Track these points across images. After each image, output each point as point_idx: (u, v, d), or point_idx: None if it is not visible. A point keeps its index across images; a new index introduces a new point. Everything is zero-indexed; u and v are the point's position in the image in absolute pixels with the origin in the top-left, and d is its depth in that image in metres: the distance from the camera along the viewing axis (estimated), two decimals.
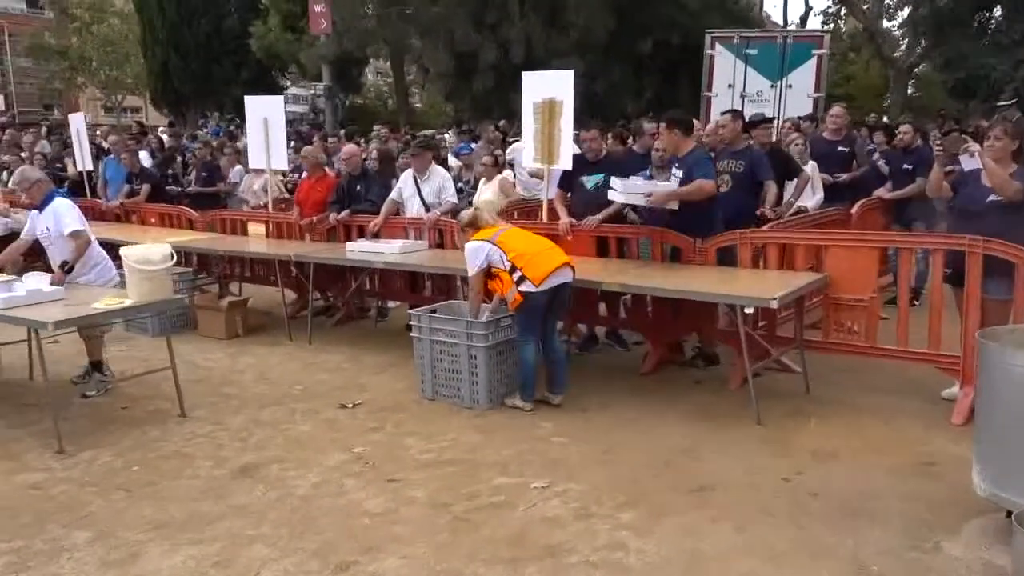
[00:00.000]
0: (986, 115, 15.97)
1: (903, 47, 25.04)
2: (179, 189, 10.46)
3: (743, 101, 14.82)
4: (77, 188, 10.43)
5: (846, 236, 5.59)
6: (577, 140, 6.45)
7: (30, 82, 42.28)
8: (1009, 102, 11.34)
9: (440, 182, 7.15)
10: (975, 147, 4.91)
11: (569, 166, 6.33)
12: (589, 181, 6.22)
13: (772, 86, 15.16)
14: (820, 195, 7.43)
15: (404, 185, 7.29)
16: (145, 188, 9.64)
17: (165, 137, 14.57)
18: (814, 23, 31.78)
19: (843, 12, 26.84)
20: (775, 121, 13.89)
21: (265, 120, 8.24)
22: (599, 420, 5.02)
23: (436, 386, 5.43)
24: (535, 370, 5.15)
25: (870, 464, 4.27)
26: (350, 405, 5.38)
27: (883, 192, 7.76)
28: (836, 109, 8.47)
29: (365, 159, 9.11)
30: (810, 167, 7.48)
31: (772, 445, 4.55)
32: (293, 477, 4.26)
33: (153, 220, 9.47)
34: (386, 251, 6.65)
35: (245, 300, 7.64)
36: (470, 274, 5.23)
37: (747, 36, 16.02)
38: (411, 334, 5.49)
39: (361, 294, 7.76)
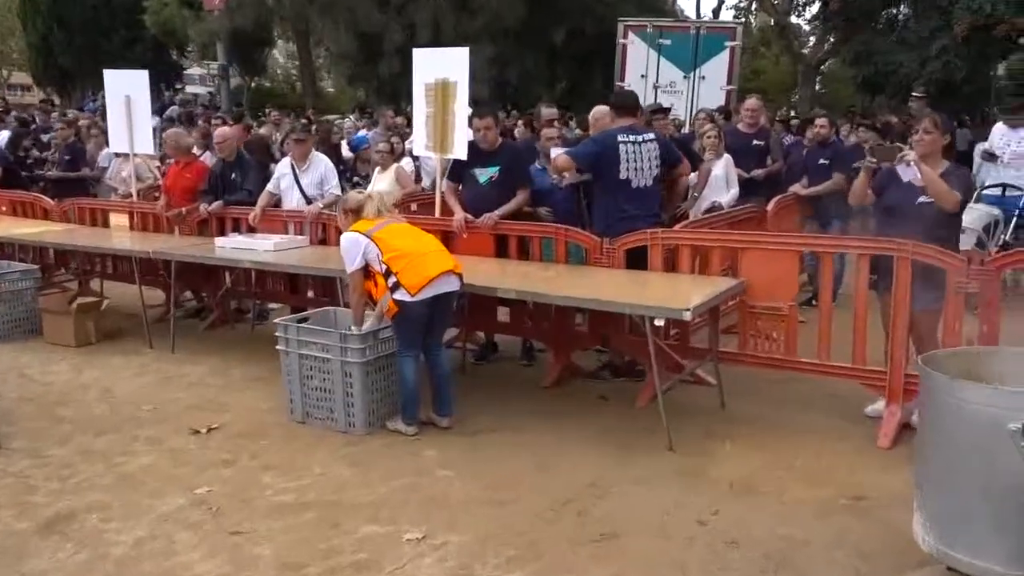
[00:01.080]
0: (893, 111, 16.10)
1: (812, 42, 25.30)
2: (42, 173, 9.40)
3: (656, 92, 14.47)
4: None
5: (765, 238, 5.11)
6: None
7: None
8: (922, 95, 11.25)
9: (322, 172, 6.38)
10: (912, 155, 4.47)
11: (464, 155, 5.66)
12: (482, 175, 5.55)
13: (685, 77, 14.86)
14: (736, 190, 6.99)
15: (282, 175, 6.49)
16: None
17: (37, 115, 13.28)
18: (726, 17, 31.91)
19: (754, 7, 26.97)
20: (688, 112, 13.63)
21: (127, 98, 7.36)
22: (492, 447, 4.39)
23: (306, 407, 4.71)
24: (418, 389, 4.49)
25: (793, 500, 3.77)
26: (204, 431, 4.61)
27: (799, 188, 7.38)
28: (752, 101, 8.01)
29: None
30: (725, 161, 7.05)
31: (685, 477, 4.01)
32: (113, 531, 3.49)
33: (3, 208, 8.42)
34: (259, 248, 5.88)
35: (99, 302, 6.70)
36: (348, 271, 4.53)
37: (660, 25, 15.68)
38: (277, 346, 4.75)
39: (237, 295, 6.95)
